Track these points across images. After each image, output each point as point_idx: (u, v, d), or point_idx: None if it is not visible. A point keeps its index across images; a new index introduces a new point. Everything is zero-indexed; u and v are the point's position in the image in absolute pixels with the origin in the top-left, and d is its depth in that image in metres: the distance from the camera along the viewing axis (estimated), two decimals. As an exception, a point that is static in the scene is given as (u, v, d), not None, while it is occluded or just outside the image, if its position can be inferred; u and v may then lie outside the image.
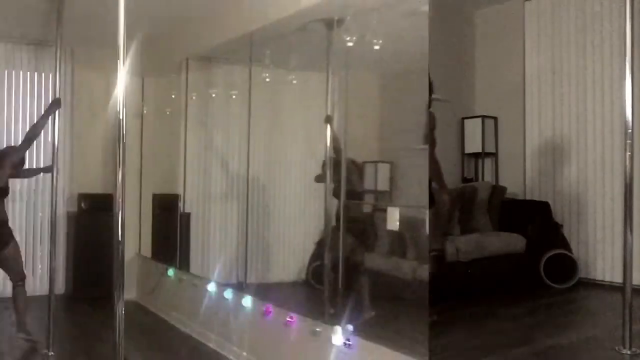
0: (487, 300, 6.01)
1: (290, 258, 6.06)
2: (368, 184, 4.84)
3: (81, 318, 6.88)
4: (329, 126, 4.61)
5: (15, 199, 7.76)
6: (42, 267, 7.94)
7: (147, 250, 7.85)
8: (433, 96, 4.06)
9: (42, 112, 5.66)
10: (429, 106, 3.90)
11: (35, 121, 5.76)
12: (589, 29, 7.16)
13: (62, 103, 5.52)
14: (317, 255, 4.94)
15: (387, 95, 4.90)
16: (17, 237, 7.55)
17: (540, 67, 7.71)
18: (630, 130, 4.49)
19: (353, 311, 4.22)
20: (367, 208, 5.06)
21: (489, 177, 8.14)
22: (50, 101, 5.59)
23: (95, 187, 8.00)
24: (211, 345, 5.81)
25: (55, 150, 5.58)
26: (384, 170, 4.75)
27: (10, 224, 7.46)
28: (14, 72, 7.88)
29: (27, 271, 7.65)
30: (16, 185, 7.57)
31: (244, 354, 5.29)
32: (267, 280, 5.97)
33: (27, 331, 5.56)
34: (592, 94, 7.15)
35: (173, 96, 7.17)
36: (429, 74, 3.63)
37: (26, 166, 5.89)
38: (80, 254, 7.71)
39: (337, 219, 4.51)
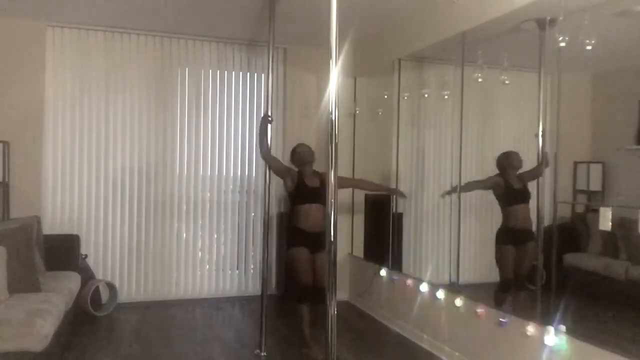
0: None
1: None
2: (580, 184, 5.02)
3: (292, 318, 7.06)
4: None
5: (228, 199, 8.41)
6: (255, 267, 8.48)
7: (358, 251, 8.20)
8: None
9: (258, 131, 6.11)
10: None
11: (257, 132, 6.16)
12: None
13: (274, 101, 5.88)
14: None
15: (598, 95, 5.05)
16: (230, 236, 8.38)
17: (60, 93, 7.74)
18: None
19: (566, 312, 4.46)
20: (579, 208, 5.21)
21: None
22: (262, 105, 5.84)
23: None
24: (424, 345, 6.21)
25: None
26: (596, 170, 4.93)
27: (223, 224, 8.02)
28: (226, 72, 8.36)
29: (239, 271, 8.47)
30: (229, 184, 8.41)
31: (457, 354, 5.68)
32: (478, 280, 6.22)
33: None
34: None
35: (386, 96, 7.46)
36: None
37: None
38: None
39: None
